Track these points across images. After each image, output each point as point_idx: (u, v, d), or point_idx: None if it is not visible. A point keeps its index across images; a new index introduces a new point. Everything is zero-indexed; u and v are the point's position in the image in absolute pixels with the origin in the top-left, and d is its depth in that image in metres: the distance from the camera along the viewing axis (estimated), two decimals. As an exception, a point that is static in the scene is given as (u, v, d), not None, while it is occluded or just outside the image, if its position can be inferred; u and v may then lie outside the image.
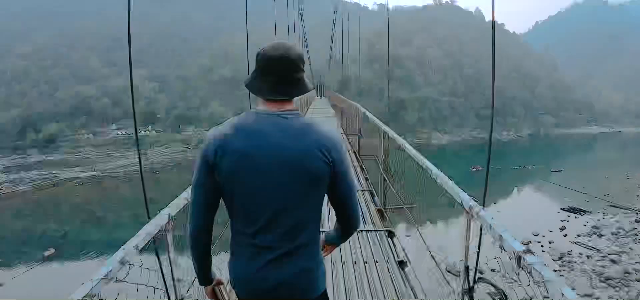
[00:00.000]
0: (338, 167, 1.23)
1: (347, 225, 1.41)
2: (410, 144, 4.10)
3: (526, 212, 24.92)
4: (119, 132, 68.01)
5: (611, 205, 26.99)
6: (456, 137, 58.27)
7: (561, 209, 26.38)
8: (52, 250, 21.87)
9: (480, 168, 40.46)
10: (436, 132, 57.43)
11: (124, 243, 1.76)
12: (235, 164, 1.18)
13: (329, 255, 1.59)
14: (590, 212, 25.60)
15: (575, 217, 24.70)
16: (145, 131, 67.25)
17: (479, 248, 2.16)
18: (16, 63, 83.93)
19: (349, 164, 1.30)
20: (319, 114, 19.02)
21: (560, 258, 18.19)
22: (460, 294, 2.26)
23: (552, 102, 76.91)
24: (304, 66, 1.27)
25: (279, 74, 1.23)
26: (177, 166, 48.99)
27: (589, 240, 20.81)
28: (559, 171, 38.97)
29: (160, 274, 2.07)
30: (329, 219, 3.94)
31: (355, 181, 1.20)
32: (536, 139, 65.41)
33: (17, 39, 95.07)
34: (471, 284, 2.20)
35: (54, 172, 50.17)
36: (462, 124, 60.72)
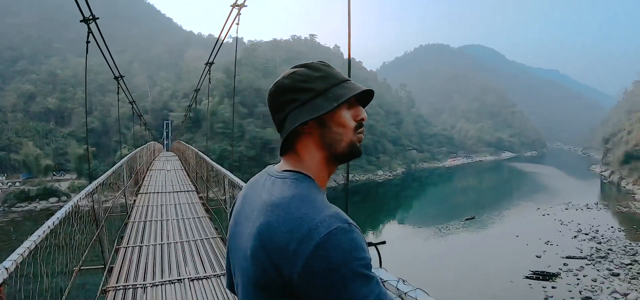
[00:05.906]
0: (304, 283, 0.64)
1: None
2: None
3: None
4: None
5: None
6: (331, 181, 50.09)
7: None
8: None
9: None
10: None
11: None
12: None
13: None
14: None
15: None
16: None
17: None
18: None
19: (342, 280, 0.63)
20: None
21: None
22: None
23: (417, 137, 77.46)
24: (291, 97, 0.78)
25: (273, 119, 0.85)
26: None
27: None
28: (472, 218, 36.35)
29: None
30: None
31: None
32: (409, 175, 63.49)
33: None
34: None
35: None
36: (337, 166, 53.09)
